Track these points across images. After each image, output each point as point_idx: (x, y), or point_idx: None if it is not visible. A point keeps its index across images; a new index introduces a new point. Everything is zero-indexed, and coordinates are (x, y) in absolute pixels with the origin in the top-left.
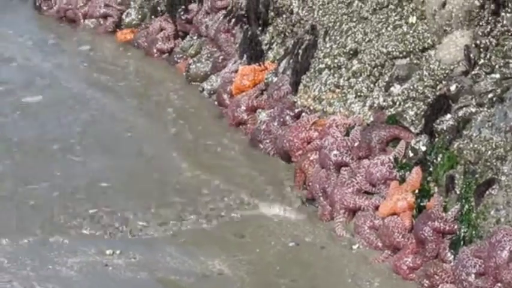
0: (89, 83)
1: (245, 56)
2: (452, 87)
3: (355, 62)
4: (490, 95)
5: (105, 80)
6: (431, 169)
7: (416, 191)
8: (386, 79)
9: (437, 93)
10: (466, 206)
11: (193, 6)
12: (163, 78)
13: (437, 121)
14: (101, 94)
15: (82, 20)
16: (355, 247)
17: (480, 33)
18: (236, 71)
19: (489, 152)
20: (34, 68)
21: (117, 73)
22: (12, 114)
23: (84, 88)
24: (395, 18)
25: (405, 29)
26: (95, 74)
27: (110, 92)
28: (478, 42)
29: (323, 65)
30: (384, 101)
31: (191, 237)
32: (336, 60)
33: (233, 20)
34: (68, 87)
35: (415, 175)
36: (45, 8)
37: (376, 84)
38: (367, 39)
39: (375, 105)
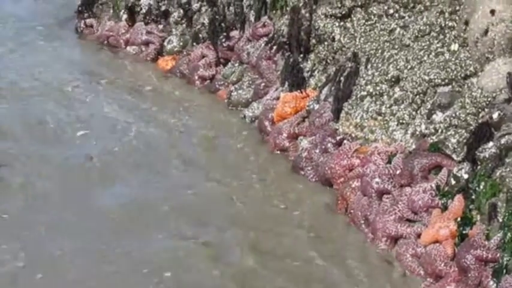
0: (130, 110)
1: (287, 83)
2: (495, 115)
3: (397, 89)
4: None
5: (146, 107)
6: (473, 197)
7: (459, 219)
8: (429, 106)
9: (480, 121)
10: (509, 234)
11: (234, 33)
12: (205, 105)
13: (480, 149)
14: (142, 122)
15: (124, 47)
16: (397, 275)
17: None
18: (278, 98)
19: None
20: (75, 95)
21: (158, 100)
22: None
23: (126, 116)
24: (437, 45)
25: (447, 57)
26: (136, 101)
27: (151, 119)
28: None
29: (365, 92)
30: (426, 128)
31: None
32: (377, 88)
33: (275, 47)
34: (111, 116)
35: (457, 203)
36: (87, 34)
37: (418, 111)
38: (409, 66)
39: (417, 132)
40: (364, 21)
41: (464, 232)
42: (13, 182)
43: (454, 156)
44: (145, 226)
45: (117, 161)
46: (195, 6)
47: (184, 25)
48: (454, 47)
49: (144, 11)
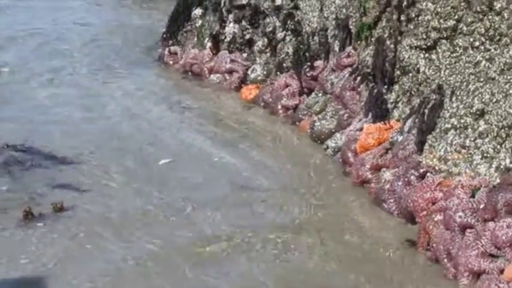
0: (213, 140)
1: (370, 114)
2: None
3: (481, 122)
4: None
5: (229, 136)
6: None
7: None
8: None
9: None
10: None
11: (319, 63)
12: (287, 135)
13: None
14: (225, 152)
15: (208, 75)
16: None
17: None
18: (361, 129)
19: None
20: (158, 123)
21: (241, 130)
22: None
23: (209, 145)
24: None
25: None
26: (219, 131)
27: (234, 149)
28: None
29: (449, 125)
30: (511, 162)
31: None
32: (462, 121)
33: (359, 77)
34: (193, 144)
35: None
36: (171, 62)
37: (503, 145)
38: (494, 99)
39: (502, 166)
40: (449, 53)
41: None
42: (96, 206)
43: None
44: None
45: (200, 191)
46: (280, 35)
47: (268, 54)
48: None
49: (228, 39)
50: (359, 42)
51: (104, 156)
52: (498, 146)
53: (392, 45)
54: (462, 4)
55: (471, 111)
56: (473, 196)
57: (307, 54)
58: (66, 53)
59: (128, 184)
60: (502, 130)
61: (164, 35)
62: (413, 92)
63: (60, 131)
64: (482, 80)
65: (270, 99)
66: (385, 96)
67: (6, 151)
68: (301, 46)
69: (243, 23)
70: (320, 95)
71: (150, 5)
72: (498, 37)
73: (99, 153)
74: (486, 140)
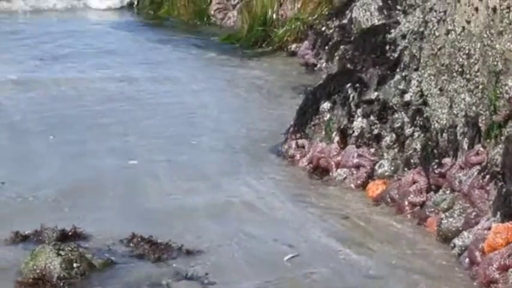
0: (338, 237)
1: (499, 213)
2: None
3: None
4: None
5: (355, 234)
6: None
7: None
8: None
9: None
10: None
11: (447, 161)
12: (413, 232)
13: None
14: (350, 249)
15: (335, 169)
16: None
17: None
18: (489, 228)
19: None
20: (283, 220)
21: (367, 227)
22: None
23: (333, 242)
24: None
25: None
26: (344, 228)
27: (360, 247)
28: None
29: None
30: None
31: None
32: None
33: (488, 176)
34: (318, 240)
35: None
36: (297, 155)
37: None
38: None
39: None
40: None
41: None
42: None
43: None
44: None
45: None
46: (408, 131)
47: (396, 150)
48: None
49: (356, 133)
50: (488, 140)
51: (229, 251)
52: None
53: None
54: None
55: None
56: None
57: (435, 151)
58: (193, 143)
59: (255, 279)
60: None
61: (291, 128)
62: None
63: (185, 224)
64: None
65: (397, 195)
66: None
67: (132, 242)
68: (430, 143)
69: (371, 117)
70: (448, 192)
71: (278, 99)
72: None
73: (224, 248)
74: None
